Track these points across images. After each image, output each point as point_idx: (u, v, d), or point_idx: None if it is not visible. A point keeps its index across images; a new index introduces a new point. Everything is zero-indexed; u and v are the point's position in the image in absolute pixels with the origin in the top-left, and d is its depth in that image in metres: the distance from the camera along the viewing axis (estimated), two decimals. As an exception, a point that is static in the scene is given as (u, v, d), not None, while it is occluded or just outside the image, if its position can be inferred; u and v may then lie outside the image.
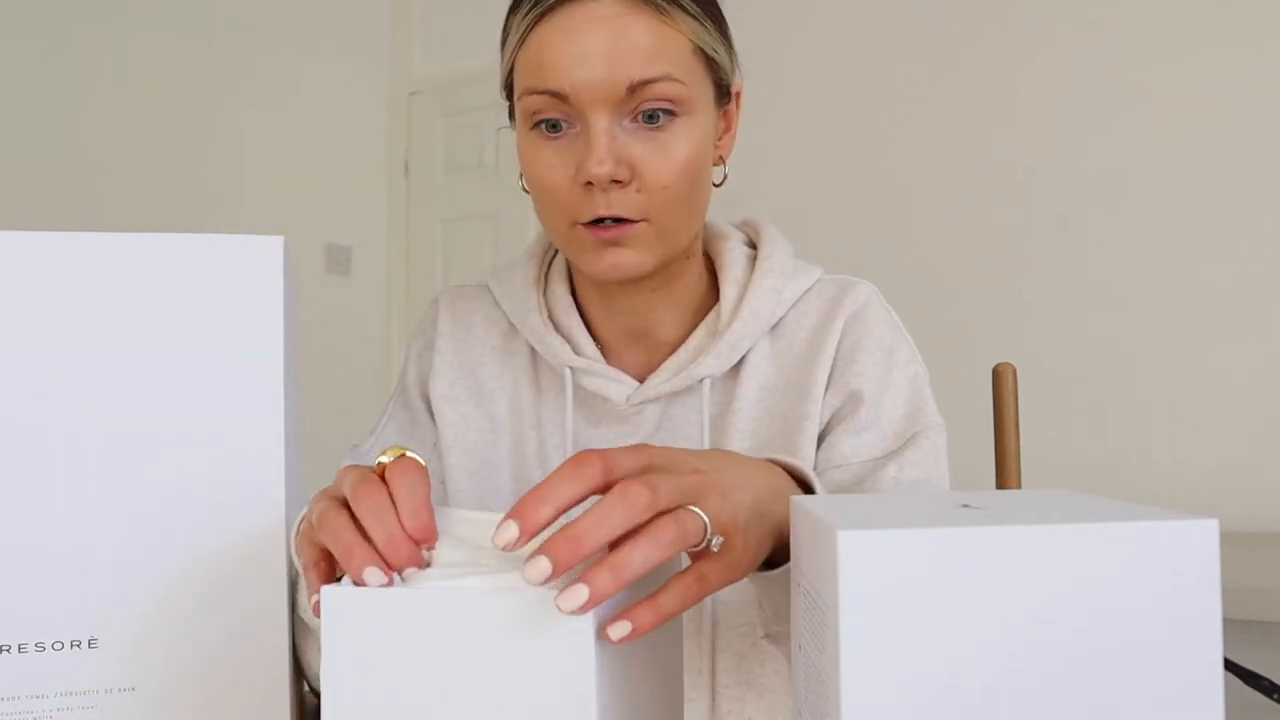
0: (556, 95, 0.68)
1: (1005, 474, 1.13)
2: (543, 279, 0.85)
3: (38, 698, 0.58)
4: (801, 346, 0.80)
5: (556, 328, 0.82)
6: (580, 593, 0.41)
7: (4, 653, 0.57)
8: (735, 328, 0.77)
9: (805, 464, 0.67)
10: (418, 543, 0.47)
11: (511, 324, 0.85)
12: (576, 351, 0.81)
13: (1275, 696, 0.61)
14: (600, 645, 0.43)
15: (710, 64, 0.73)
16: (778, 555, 0.54)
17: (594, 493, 0.45)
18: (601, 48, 0.67)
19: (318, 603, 0.46)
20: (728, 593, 0.72)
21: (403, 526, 0.47)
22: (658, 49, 0.68)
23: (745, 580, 0.54)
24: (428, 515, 0.48)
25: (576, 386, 0.80)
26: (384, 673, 0.44)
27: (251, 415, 0.61)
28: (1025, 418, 1.16)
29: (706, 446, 0.77)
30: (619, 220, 0.70)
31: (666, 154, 0.70)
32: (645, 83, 0.68)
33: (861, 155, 2.68)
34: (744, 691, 0.75)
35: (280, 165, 3.06)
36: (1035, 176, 2.48)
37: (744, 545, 0.49)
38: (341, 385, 2.88)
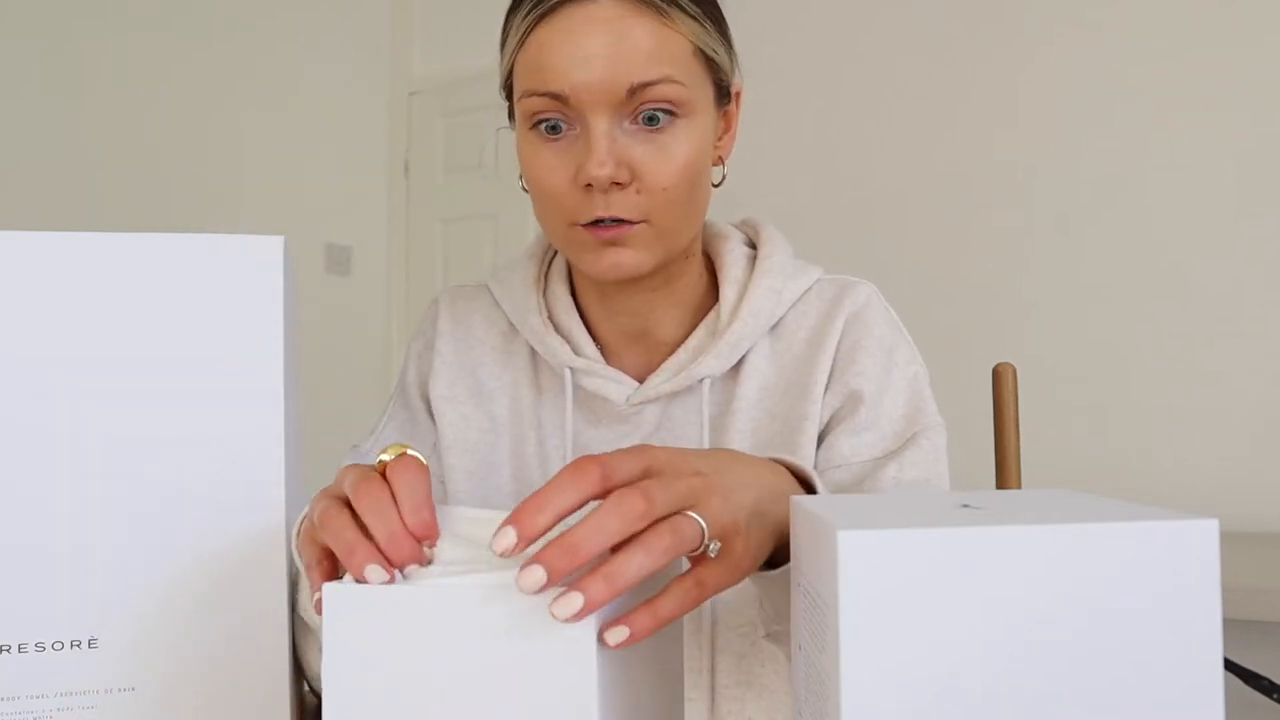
0: (556, 97, 0.68)
1: (1005, 474, 1.13)
2: (543, 279, 0.85)
3: (38, 698, 0.58)
4: (801, 346, 0.80)
5: (556, 328, 0.82)
6: (575, 600, 0.42)
7: (4, 653, 0.57)
8: (735, 328, 0.77)
9: (809, 465, 0.67)
10: (419, 540, 0.47)
11: (511, 324, 0.85)
12: (576, 352, 0.81)
13: (1275, 696, 0.61)
14: (601, 644, 0.43)
15: (710, 65, 0.73)
16: (779, 555, 0.54)
17: (593, 499, 0.45)
18: (601, 50, 0.67)
19: (319, 600, 0.46)
20: (728, 593, 0.72)
21: (404, 524, 0.47)
22: (658, 51, 0.68)
23: (746, 580, 0.54)
24: (429, 513, 0.48)
25: (576, 387, 0.80)
26: (385, 670, 0.44)
27: (251, 415, 0.61)
28: (1025, 418, 1.16)
29: (706, 446, 0.77)
30: (619, 221, 0.70)
31: (666, 156, 0.70)
32: (645, 85, 0.68)
33: (861, 155, 2.68)
34: (744, 691, 0.75)
35: (280, 165, 3.06)
36: (1035, 176, 2.48)
37: (744, 548, 0.49)
38: (341, 385, 2.88)
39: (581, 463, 0.45)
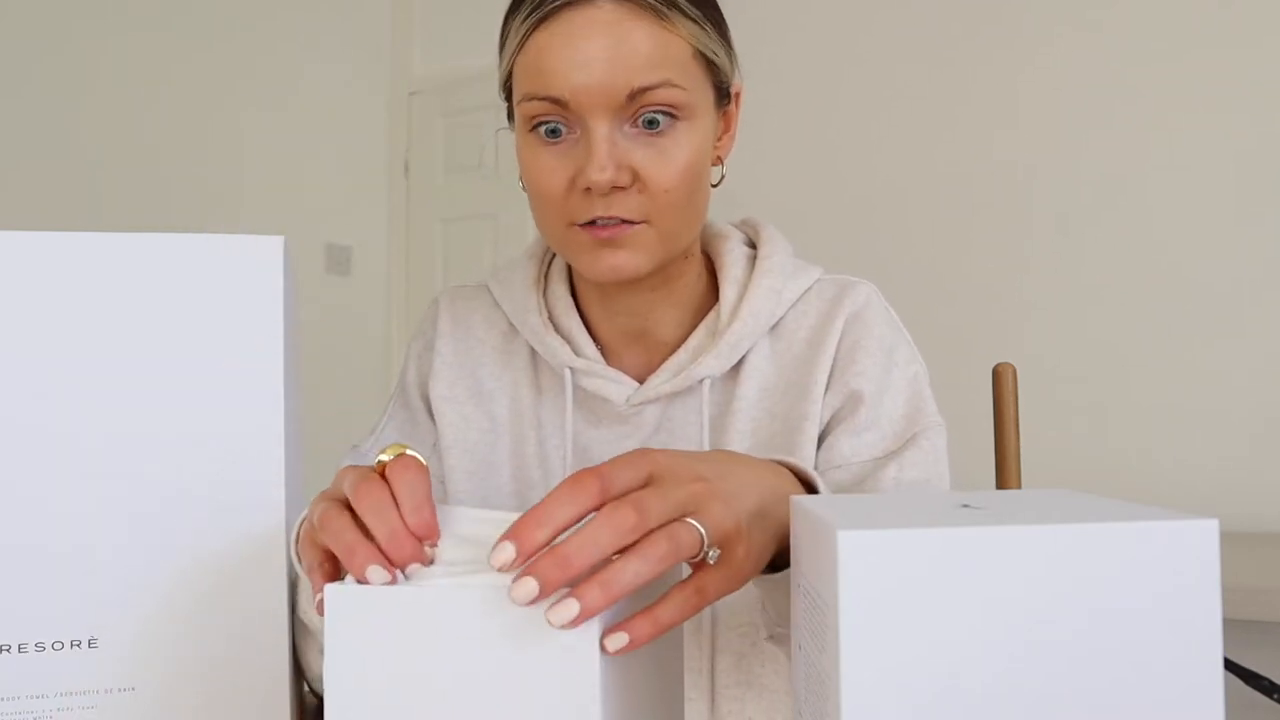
0: (556, 101, 0.68)
1: (1005, 474, 1.13)
2: (543, 279, 0.85)
3: (38, 698, 0.58)
4: (801, 346, 0.80)
5: (556, 328, 0.82)
6: (570, 607, 0.42)
7: (4, 653, 0.57)
8: (735, 328, 0.77)
9: (809, 466, 0.67)
10: (420, 540, 0.47)
11: (511, 324, 0.85)
12: (576, 352, 0.81)
13: (1275, 696, 0.61)
14: (601, 650, 0.43)
15: (710, 67, 0.73)
16: (781, 557, 0.54)
17: (593, 511, 0.45)
18: (601, 54, 0.67)
19: (321, 601, 0.46)
20: (728, 593, 0.72)
21: (405, 523, 0.47)
22: (658, 55, 0.68)
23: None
24: (429, 512, 0.48)
25: (576, 387, 0.80)
26: (387, 671, 0.44)
27: (251, 415, 0.61)
28: (1025, 418, 1.16)
29: (706, 446, 0.77)
30: (620, 221, 0.70)
31: (667, 159, 0.69)
32: (645, 89, 0.68)
33: (861, 155, 2.68)
34: (744, 691, 0.75)
35: (280, 165, 3.06)
36: (1035, 177, 2.48)
37: (745, 554, 0.49)
38: (341, 385, 2.88)
39: (580, 476, 0.45)
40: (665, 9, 0.68)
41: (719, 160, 0.78)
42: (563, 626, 0.42)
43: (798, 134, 2.71)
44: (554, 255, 0.86)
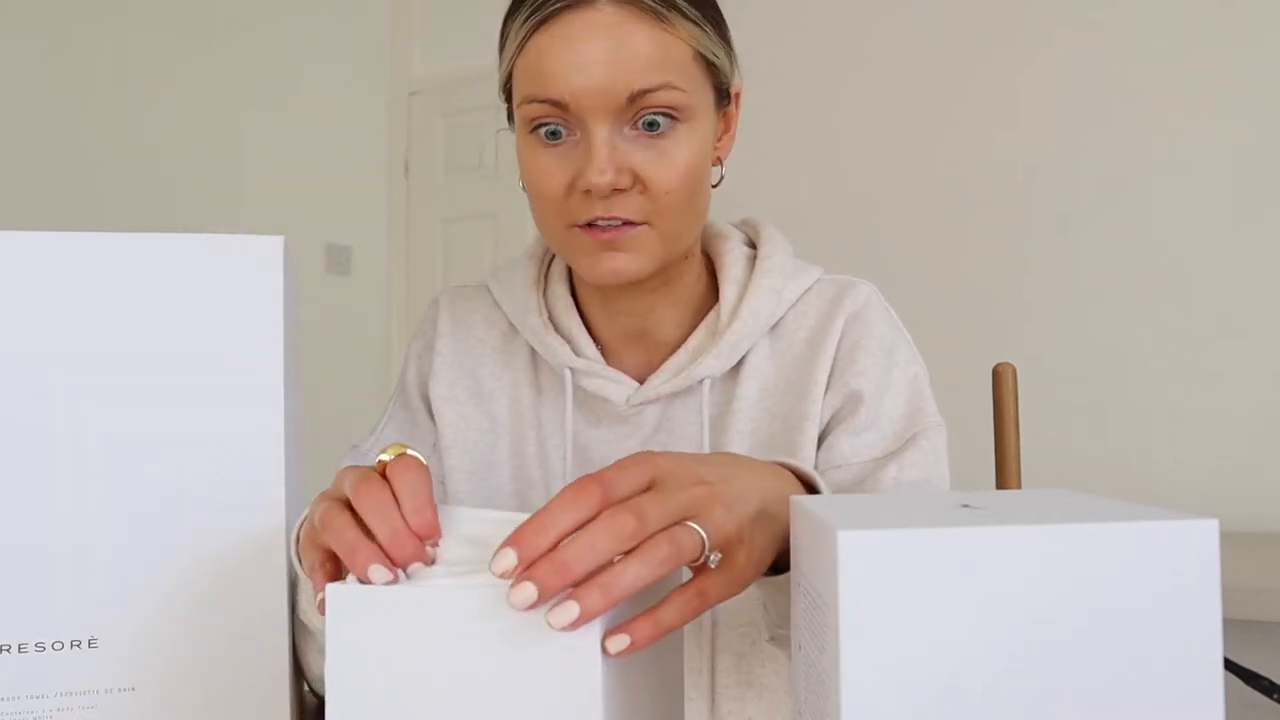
0: (556, 104, 0.68)
1: (1005, 474, 1.13)
2: (543, 279, 0.85)
3: (38, 698, 0.58)
4: (801, 346, 0.80)
5: (556, 328, 0.82)
6: (570, 610, 0.42)
7: (4, 653, 0.57)
8: (735, 328, 0.77)
9: (810, 467, 0.67)
10: (421, 539, 0.47)
11: (511, 324, 0.85)
12: (576, 352, 0.81)
13: (1275, 696, 0.61)
14: (602, 652, 0.43)
15: (710, 68, 0.72)
16: (783, 560, 0.54)
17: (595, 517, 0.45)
18: (601, 56, 0.67)
19: (323, 600, 0.46)
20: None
21: (406, 523, 0.47)
22: (658, 57, 0.68)
23: (748, 583, 0.54)
24: (431, 512, 0.48)
25: (576, 387, 0.80)
26: (388, 671, 0.44)
27: (251, 415, 0.61)
28: (1025, 418, 1.16)
29: (706, 447, 0.77)
30: (623, 222, 0.70)
31: (668, 161, 0.69)
32: (646, 91, 0.67)
33: (861, 155, 2.68)
34: (744, 691, 0.75)
35: (280, 165, 3.06)
36: (1035, 177, 2.48)
37: (746, 558, 0.49)
38: (341, 385, 2.88)
39: (582, 483, 0.45)
40: (665, 11, 0.68)
41: (719, 161, 0.78)
42: (563, 629, 0.42)
43: (798, 134, 2.71)
44: (554, 255, 0.86)
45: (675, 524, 0.46)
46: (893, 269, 1.92)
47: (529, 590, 0.42)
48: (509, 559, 0.42)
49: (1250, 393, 2.24)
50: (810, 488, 0.58)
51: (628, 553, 0.44)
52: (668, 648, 0.56)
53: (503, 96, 0.76)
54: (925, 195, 2.59)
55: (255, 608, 0.61)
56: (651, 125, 0.69)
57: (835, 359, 0.78)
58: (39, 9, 2.52)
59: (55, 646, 0.58)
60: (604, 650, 0.43)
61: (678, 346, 0.80)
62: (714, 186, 0.77)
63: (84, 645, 0.58)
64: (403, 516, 0.47)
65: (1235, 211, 2.28)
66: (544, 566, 0.42)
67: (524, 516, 0.49)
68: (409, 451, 0.50)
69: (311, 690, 0.68)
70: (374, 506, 0.47)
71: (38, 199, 2.47)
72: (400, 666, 0.44)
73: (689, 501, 0.47)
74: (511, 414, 0.83)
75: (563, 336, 0.81)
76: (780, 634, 0.74)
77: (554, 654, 0.43)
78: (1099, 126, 2.42)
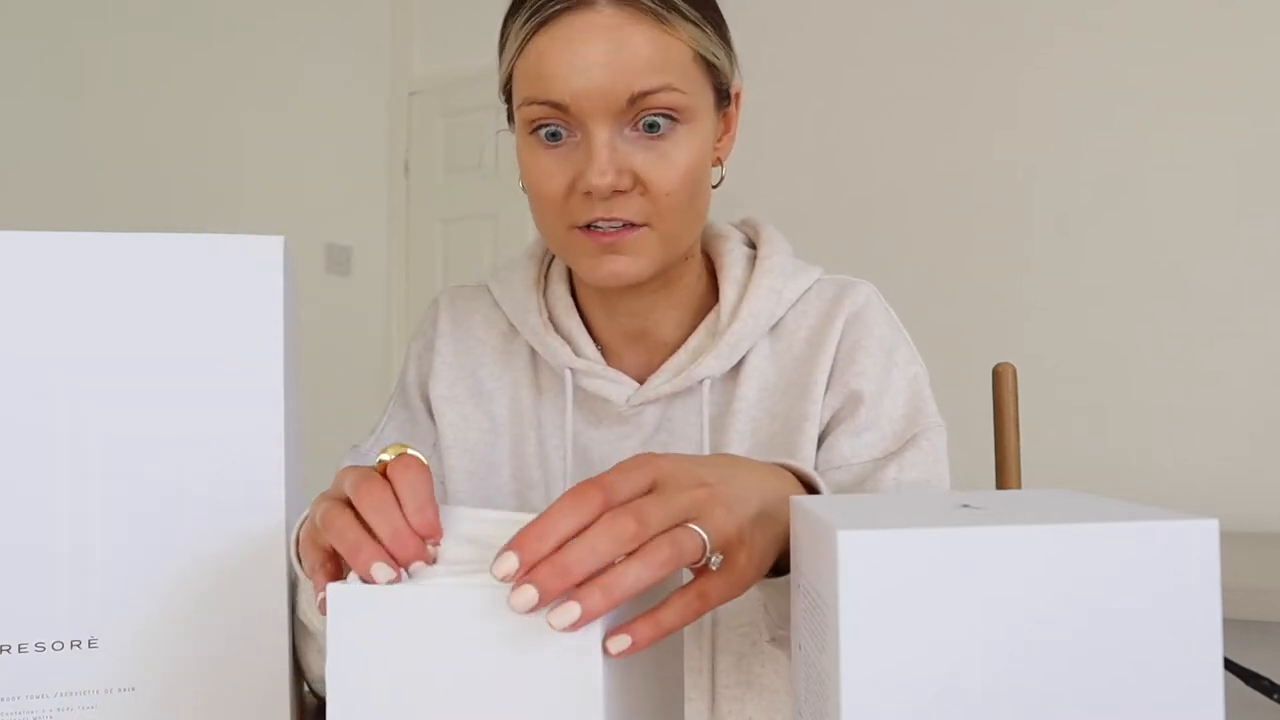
0: (557, 106, 0.68)
1: (1005, 474, 1.13)
2: (543, 280, 0.85)
3: (38, 698, 0.58)
4: (801, 347, 0.80)
5: (556, 329, 0.82)
6: (571, 610, 0.42)
7: (4, 653, 0.57)
8: (735, 328, 0.77)
9: (810, 467, 0.67)
10: (423, 539, 0.47)
11: (511, 324, 0.85)
12: (576, 353, 0.81)
13: (1275, 696, 0.61)
14: (603, 652, 0.43)
15: (710, 69, 0.72)
16: (783, 561, 0.54)
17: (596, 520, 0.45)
18: (601, 58, 0.67)
19: (323, 600, 0.46)
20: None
21: (408, 522, 0.47)
22: (658, 59, 0.68)
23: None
24: (432, 511, 0.48)
25: (576, 387, 0.80)
26: (389, 670, 0.44)
27: (251, 415, 0.61)
28: (1025, 418, 1.16)
29: (706, 447, 0.77)
30: (623, 224, 0.70)
31: (668, 162, 0.69)
32: (646, 93, 0.67)
33: (861, 155, 2.68)
34: (744, 691, 0.75)
35: (280, 165, 3.06)
36: (1035, 177, 2.48)
37: (747, 560, 0.49)
38: (341, 385, 2.88)
39: (583, 487, 0.45)
40: (665, 12, 0.68)
41: (719, 161, 0.78)
42: (564, 629, 0.42)
43: (798, 134, 2.71)
44: (554, 255, 0.86)
45: (676, 526, 0.46)
46: (893, 269, 1.93)
47: (529, 593, 0.42)
48: (510, 563, 0.42)
49: (1250, 393, 2.24)
50: (810, 488, 0.58)
51: (629, 554, 0.44)
52: (668, 648, 0.56)
53: (503, 97, 0.76)
54: (925, 195, 2.59)
55: (255, 608, 0.61)
56: (652, 127, 0.69)
57: (835, 359, 0.78)
58: (39, 9, 2.52)
59: (55, 646, 0.58)
60: (605, 650, 0.43)
61: (678, 347, 0.80)
62: (714, 187, 0.77)
63: (84, 645, 0.58)
64: (404, 516, 0.47)
65: (1235, 211, 2.28)
66: (545, 569, 0.42)
67: (525, 516, 0.49)
68: (410, 451, 0.51)
69: (311, 691, 0.68)
70: (375, 506, 0.47)
71: (38, 199, 2.47)
72: (401, 666, 0.44)
73: (690, 503, 0.47)
74: (512, 414, 0.83)
75: (563, 337, 0.81)
76: (780, 635, 0.74)
77: (555, 654, 0.43)
78: (1099, 126, 2.42)
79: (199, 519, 0.60)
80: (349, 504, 0.49)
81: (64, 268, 0.59)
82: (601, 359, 0.81)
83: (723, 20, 0.75)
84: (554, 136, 0.70)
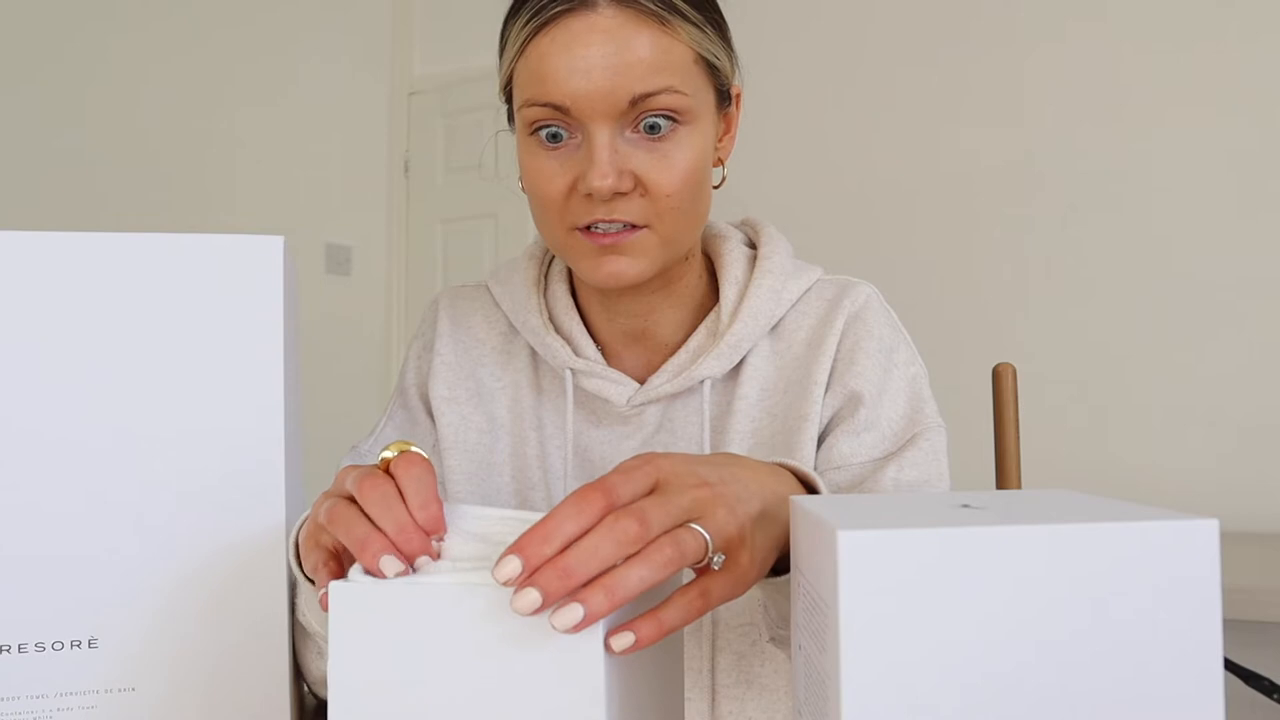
0: (557, 108, 0.68)
1: (1005, 474, 1.13)
2: (543, 280, 0.85)
3: (38, 698, 0.58)
4: (801, 347, 0.80)
5: (557, 329, 0.82)
6: (575, 612, 0.42)
7: (4, 653, 0.57)
8: (736, 328, 0.77)
9: (810, 467, 0.67)
10: (428, 534, 0.47)
11: (511, 324, 0.85)
12: (577, 353, 0.81)
13: (1275, 696, 0.61)
14: (606, 649, 0.43)
15: (711, 70, 0.72)
16: (784, 561, 0.54)
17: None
18: (602, 61, 0.66)
19: (325, 595, 0.46)
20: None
21: (412, 517, 0.47)
22: (660, 61, 0.68)
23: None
24: (436, 507, 0.48)
25: (577, 388, 0.80)
26: (391, 668, 0.44)
27: (251, 415, 0.61)
28: (1025, 418, 1.16)
29: (707, 447, 0.77)
30: (624, 225, 0.70)
31: (669, 164, 0.69)
32: (647, 95, 0.67)
33: (862, 155, 2.68)
34: (744, 691, 0.75)
35: (280, 165, 3.06)
36: (1035, 177, 2.49)
37: (749, 560, 0.49)
38: (341, 385, 2.88)
39: (586, 491, 0.45)
40: (667, 14, 0.68)
41: (719, 162, 0.78)
42: (566, 631, 0.42)
43: (798, 134, 2.71)
44: (554, 255, 0.86)
45: (678, 526, 0.46)
46: (893, 269, 1.93)
47: (532, 596, 0.42)
48: (512, 566, 0.42)
49: (1250, 393, 2.24)
50: (809, 488, 0.58)
51: (631, 556, 0.44)
52: (668, 648, 0.56)
53: (503, 98, 0.76)
54: (925, 195, 2.59)
55: (255, 608, 0.61)
56: (653, 128, 0.69)
57: (835, 359, 0.78)
58: (39, 9, 2.52)
59: (55, 646, 0.58)
60: (607, 647, 0.43)
61: (678, 347, 0.80)
62: (715, 188, 0.77)
63: (84, 645, 0.58)
64: (409, 511, 0.47)
65: (1236, 212, 2.28)
66: (548, 572, 0.42)
67: (529, 514, 0.49)
68: (413, 448, 0.51)
69: (311, 692, 0.68)
70: (380, 501, 0.47)
71: (38, 199, 2.47)
72: (403, 663, 0.44)
73: (691, 504, 0.47)
74: (512, 414, 0.83)
75: (563, 337, 0.81)
76: (780, 634, 0.74)
77: (557, 653, 0.43)
78: (1099, 127, 2.42)
79: (199, 519, 0.60)
80: (353, 501, 0.49)
81: (64, 268, 0.59)
82: (602, 359, 0.81)
83: (723, 20, 0.75)
84: (554, 138, 0.70)
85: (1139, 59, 2.38)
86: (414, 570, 0.46)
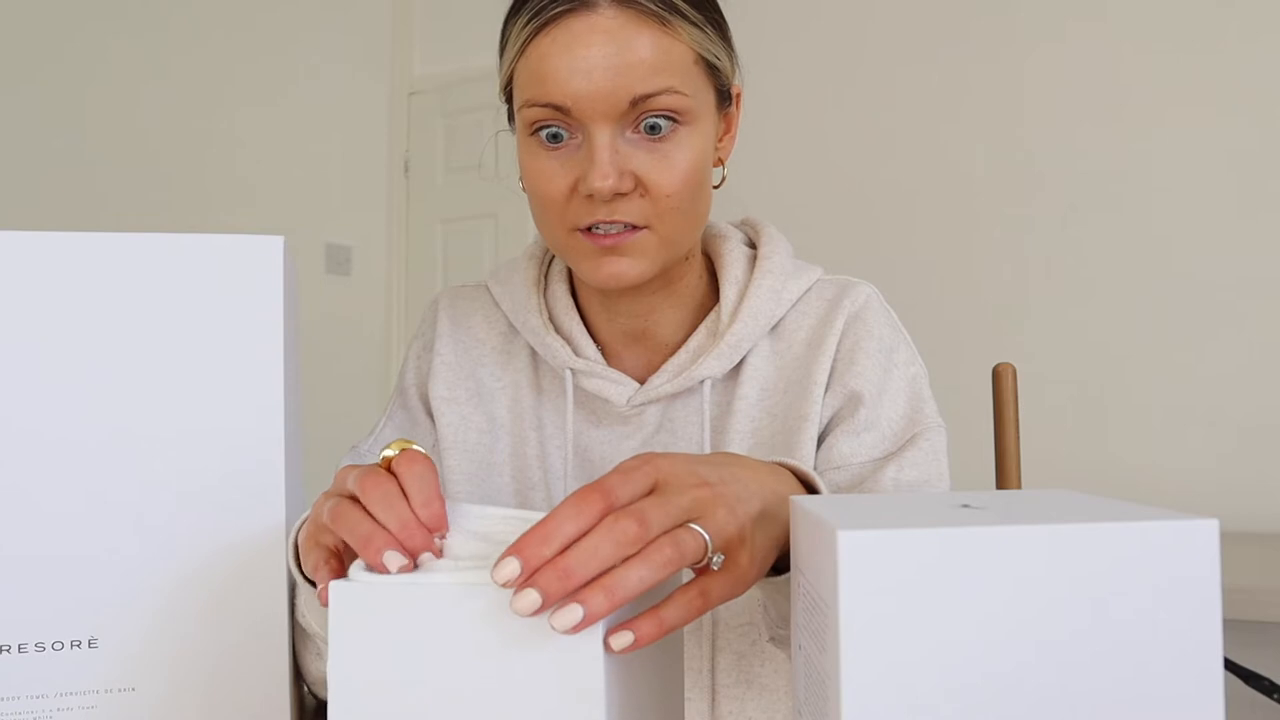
0: (558, 108, 0.68)
1: (1005, 474, 1.13)
2: (542, 280, 0.85)
3: (38, 698, 0.58)
4: (801, 347, 0.80)
5: (557, 329, 0.82)
6: (574, 612, 0.42)
7: (4, 653, 0.57)
8: (736, 328, 0.77)
9: (810, 467, 0.67)
10: (430, 531, 0.47)
11: (511, 324, 0.85)
12: (577, 353, 0.81)
13: (1275, 696, 0.61)
14: (605, 648, 0.43)
15: (712, 70, 0.72)
16: (784, 560, 0.54)
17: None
18: (603, 61, 0.66)
19: (324, 591, 0.46)
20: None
21: (415, 514, 0.47)
22: (660, 61, 0.68)
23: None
24: (439, 504, 0.48)
25: (577, 388, 0.80)
26: (391, 667, 0.44)
27: (251, 415, 0.61)
28: (1025, 418, 1.16)
29: (707, 447, 0.77)
30: (624, 226, 0.70)
31: (669, 164, 0.69)
32: (648, 96, 0.67)
33: (862, 155, 2.68)
34: (744, 691, 0.75)
35: (280, 165, 3.06)
36: (1036, 177, 2.49)
37: (749, 560, 0.49)
38: (341, 385, 2.88)
39: (585, 491, 0.45)
40: (667, 14, 0.68)
41: (720, 162, 0.78)
42: (566, 631, 0.42)
43: (798, 134, 2.71)
44: (554, 255, 0.86)
45: (678, 526, 0.46)
46: (893, 269, 1.93)
47: (532, 597, 0.42)
48: (511, 568, 0.42)
49: (1250, 393, 2.24)
50: (809, 488, 0.58)
51: (631, 556, 0.44)
52: (668, 647, 0.56)
53: (503, 98, 0.76)
54: (925, 195, 2.59)
55: (255, 608, 0.61)
56: (653, 129, 0.69)
57: (835, 359, 0.78)
58: (39, 9, 2.52)
59: (55, 646, 0.58)
60: (607, 646, 0.43)
61: (678, 347, 0.80)
62: (715, 188, 0.77)
63: (84, 645, 0.58)
64: (411, 508, 0.47)
65: (1236, 211, 2.28)
66: (547, 573, 0.42)
67: (531, 513, 0.49)
68: (414, 447, 0.51)
69: (311, 692, 0.68)
70: (383, 499, 0.47)
71: (38, 199, 2.47)
72: (403, 663, 0.44)
73: (691, 504, 0.47)
74: (512, 414, 0.83)
75: (563, 337, 0.81)
76: (780, 634, 0.74)
77: (557, 653, 0.43)
78: (1099, 126, 2.42)
79: (199, 519, 0.60)
80: (355, 500, 0.49)
81: (64, 268, 0.59)
82: (602, 359, 0.81)
83: (724, 21, 0.75)
84: (555, 138, 0.70)
85: (1139, 59, 2.38)
86: (417, 566, 0.46)
